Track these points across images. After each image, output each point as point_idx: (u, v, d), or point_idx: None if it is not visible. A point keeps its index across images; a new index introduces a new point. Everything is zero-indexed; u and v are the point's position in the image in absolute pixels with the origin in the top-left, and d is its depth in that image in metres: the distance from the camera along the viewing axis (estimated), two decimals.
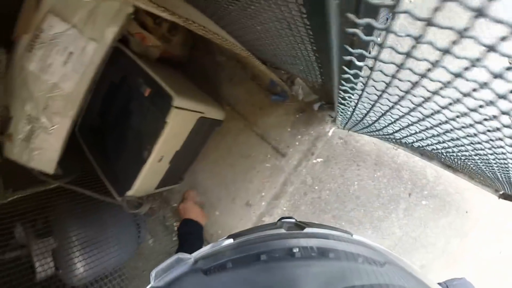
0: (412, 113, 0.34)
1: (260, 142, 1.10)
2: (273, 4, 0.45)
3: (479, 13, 0.13)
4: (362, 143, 1.05)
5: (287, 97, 1.05)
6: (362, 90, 0.34)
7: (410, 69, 0.23)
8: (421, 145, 0.56)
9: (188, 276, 0.26)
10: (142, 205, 0.92)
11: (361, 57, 0.24)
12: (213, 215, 1.13)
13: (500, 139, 0.30)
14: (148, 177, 0.93)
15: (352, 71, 0.27)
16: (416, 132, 0.44)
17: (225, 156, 1.15)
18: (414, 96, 0.28)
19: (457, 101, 0.23)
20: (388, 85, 0.28)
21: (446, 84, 0.22)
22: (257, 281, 0.25)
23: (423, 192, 1.07)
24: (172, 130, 0.89)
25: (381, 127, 0.54)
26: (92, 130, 1.01)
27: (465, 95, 0.22)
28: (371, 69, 0.25)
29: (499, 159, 0.44)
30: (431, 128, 0.35)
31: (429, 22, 0.16)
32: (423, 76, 0.22)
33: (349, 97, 0.38)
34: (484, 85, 0.18)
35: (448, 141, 0.39)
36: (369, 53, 0.25)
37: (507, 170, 0.49)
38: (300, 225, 0.33)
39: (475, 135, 0.29)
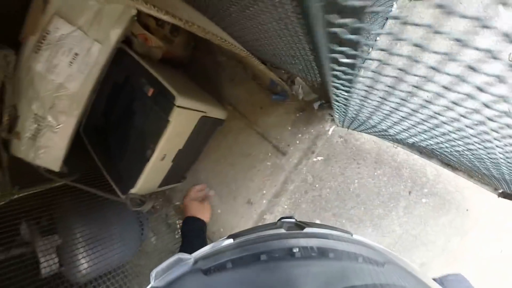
0: (401, 108, 0.35)
1: (261, 141, 1.11)
2: (271, 6, 0.46)
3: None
4: (362, 141, 1.06)
5: (287, 96, 1.06)
6: (352, 87, 0.35)
7: (396, 66, 0.25)
8: (415, 141, 0.58)
9: (188, 276, 0.26)
10: (145, 203, 0.94)
11: (347, 56, 0.25)
12: (215, 213, 1.15)
13: (486, 132, 0.31)
14: (151, 176, 0.95)
15: (340, 68, 0.29)
16: (407, 128, 0.45)
17: (227, 155, 1.17)
18: (401, 91, 0.29)
19: (441, 95, 0.25)
20: (375, 80, 0.29)
21: (429, 79, 0.23)
22: (257, 281, 0.25)
23: (423, 190, 1.08)
24: (175, 129, 0.91)
25: (375, 124, 0.56)
26: (96, 130, 1.03)
27: (446, 88, 0.23)
28: (354, 67, 0.27)
29: (489, 154, 0.45)
30: (421, 123, 0.36)
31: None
32: (403, 71, 0.24)
33: (341, 94, 0.40)
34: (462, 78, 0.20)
35: (439, 136, 0.40)
36: (361, 51, 0.27)
37: (498, 166, 0.50)
38: (300, 225, 0.33)
39: (461, 129, 0.30)
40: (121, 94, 0.97)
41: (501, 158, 0.46)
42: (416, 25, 0.17)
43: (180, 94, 0.87)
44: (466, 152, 0.47)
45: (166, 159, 0.97)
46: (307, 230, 0.32)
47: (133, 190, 0.93)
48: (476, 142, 0.36)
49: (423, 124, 0.36)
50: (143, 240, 1.14)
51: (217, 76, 1.18)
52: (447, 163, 0.96)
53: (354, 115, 0.59)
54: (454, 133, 0.35)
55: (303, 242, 0.28)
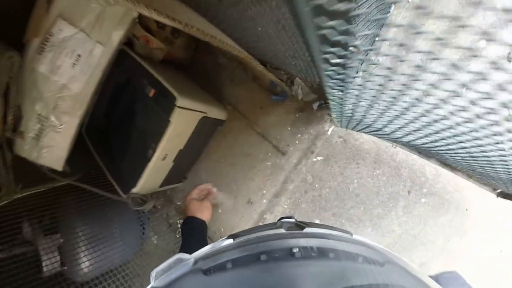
0: (393, 107, 0.36)
1: (261, 141, 1.12)
2: (268, 8, 0.47)
3: None
4: (361, 141, 1.07)
5: (287, 96, 1.08)
6: (344, 86, 0.36)
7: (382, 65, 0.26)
8: (410, 140, 0.59)
9: (188, 276, 0.26)
10: (146, 203, 0.95)
11: (338, 56, 0.26)
12: (215, 213, 1.15)
13: (476, 130, 0.32)
14: (152, 175, 0.96)
15: (332, 68, 0.30)
16: (401, 127, 0.46)
17: (227, 155, 1.18)
18: (393, 90, 0.30)
19: (429, 93, 0.26)
20: (364, 79, 0.30)
21: (417, 77, 0.24)
22: (257, 281, 0.25)
23: (422, 190, 1.08)
24: (176, 129, 0.92)
25: (370, 123, 0.57)
26: (98, 130, 1.05)
27: (432, 85, 0.24)
28: (345, 66, 0.28)
29: (482, 151, 0.46)
30: (412, 121, 0.37)
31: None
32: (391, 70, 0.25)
33: (335, 93, 0.41)
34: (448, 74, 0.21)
35: (431, 133, 0.41)
36: (350, 52, 0.28)
37: (492, 165, 0.51)
38: (300, 225, 0.33)
39: (453, 126, 0.31)
40: (122, 95, 0.99)
41: (493, 156, 0.47)
42: (400, 25, 0.18)
43: (181, 95, 0.88)
44: (460, 150, 0.48)
45: (167, 159, 0.98)
46: (307, 230, 0.32)
47: (134, 190, 0.94)
48: (469, 140, 0.37)
49: (414, 122, 0.37)
50: (144, 239, 1.16)
51: (218, 77, 1.20)
52: (446, 163, 0.97)
53: (350, 114, 0.60)
54: (447, 130, 0.36)
55: (303, 242, 0.29)
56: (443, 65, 0.20)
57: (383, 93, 0.32)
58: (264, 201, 1.11)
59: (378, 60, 0.24)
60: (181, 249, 0.84)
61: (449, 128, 0.33)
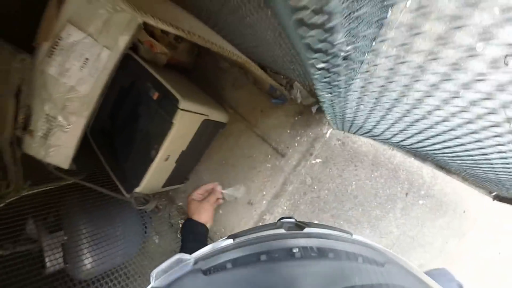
0: (378, 108, 0.39)
1: (261, 143, 1.15)
2: (264, 16, 0.50)
3: None
4: (359, 144, 1.09)
5: (287, 100, 1.10)
6: (331, 89, 0.39)
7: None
8: (399, 141, 0.61)
9: (188, 276, 0.26)
10: (149, 202, 0.97)
11: (322, 61, 0.30)
12: (216, 213, 1.18)
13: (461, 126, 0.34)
14: (155, 176, 0.99)
15: (318, 72, 0.33)
16: (388, 127, 0.49)
17: (228, 156, 1.21)
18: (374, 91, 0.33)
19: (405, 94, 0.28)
20: (348, 83, 0.33)
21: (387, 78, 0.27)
22: (257, 282, 0.25)
23: (420, 192, 1.10)
24: (179, 131, 0.95)
25: (361, 124, 0.59)
26: (102, 132, 1.08)
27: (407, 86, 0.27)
28: (329, 70, 0.31)
29: (482, 155, 0.48)
30: (397, 122, 0.40)
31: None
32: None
33: (324, 96, 0.43)
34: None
35: (416, 133, 0.44)
36: (332, 57, 0.30)
37: (479, 166, 0.53)
38: (300, 225, 0.33)
39: (433, 126, 0.34)
40: (127, 98, 1.02)
41: (495, 158, 0.49)
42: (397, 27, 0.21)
43: (183, 98, 0.91)
44: (446, 150, 0.50)
45: (169, 160, 1.01)
46: (307, 230, 0.32)
47: (137, 189, 0.97)
48: (470, 142, 0.39)
49: (399, 122, 0.40)
50: (146, 239, 1.18)
51: (219, 80, 1.23)
52: (441, 166, 0.98)
53: (341, 116, 0.63)
54: (430, 127, 0.39)
55: (303, 242, 0.29)
56: (431, 72, 0.22)
57: (365, 95, 0.35)
58: (264, 202, 1.13)
59: (371, 64, 0.27)
60: (180, 251, 0.85)
61: (431, 128, 0.36)
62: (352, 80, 0.39)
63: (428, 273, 0.60)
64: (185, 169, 1.20)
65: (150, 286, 0.26)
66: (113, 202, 1.05)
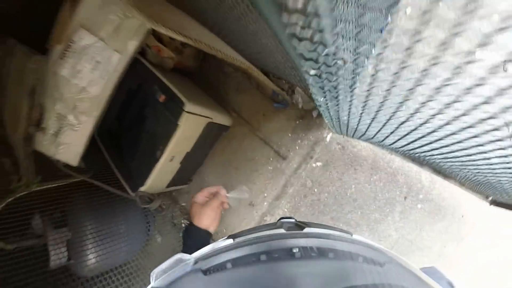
0: (368, 110, 0.42)
1: (263, 146, 1.18)
2: (265, 25, 0.54)
3: None
4: (359, 148, 1.12)
5: (288, 104, 1.14)
6: (325, 93, 0.43)
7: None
8: (391, 143, 0.64)
9: (188, 276, 0.26)
10: (153, 201, 1.00)
11: (311, 69, 0.33)
12: None
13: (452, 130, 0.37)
14: (160, 175, 1.02)
15: (310, 78, 0.36)
16: (379, 129, 0.52)
17: (231, 159, 1.24)
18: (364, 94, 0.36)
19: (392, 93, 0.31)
20: (336, 89, 0.36)
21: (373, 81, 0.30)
22: (257, 281, 0.25)
23: (418, 196, 1.12)
24: (184, 133, 0.98)
25: (354, 126, 0.63)
26: (109, 132, 1.12)
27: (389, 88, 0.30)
28: (320, 76, 0.34)
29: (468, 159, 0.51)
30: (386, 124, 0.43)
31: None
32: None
33: (319, 99, 0.47)
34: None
35: (406, 136, 0.46)
36: (322, 64, 0.34)
37: (475, 169, 0.56)
38: (300, 225, 0.33)
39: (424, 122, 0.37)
40: (134, 100, 1.06)
41: (478, 164, 0.52)
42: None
43: (189, 101, 0.95)
44: (435, 153, 0.53)
45: (174, 160, 1.04)
46: (307, 230, 0.32)
47: (142, 188, 1.00)
48: (472, 146, 0.41)
49: (387, 125, 0.43)
50: (149, 237, 1.20)
51: (224, 85, 1.27)
52: (438, 170, 1.01)
53: (337, 120, 0.66)
54: (423, 133, 0.42)
55: (303, 242, 0.29)
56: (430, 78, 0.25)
57: (355, 99, 0.38)
58: (265, 203, 1.16)
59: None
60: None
61: (429, 133, 0.39)
62: (351, 85, 0.42)
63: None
64: (189, 170, 1.23)
65: (150, 286, 0.27)
66: (118, 200, 1.08)
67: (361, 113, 0.48)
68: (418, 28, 0.25)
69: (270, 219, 1.15)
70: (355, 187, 1.13)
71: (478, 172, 0.59)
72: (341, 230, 0.34)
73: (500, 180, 0.67)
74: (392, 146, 0.71)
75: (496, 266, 1.12)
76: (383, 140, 0.66)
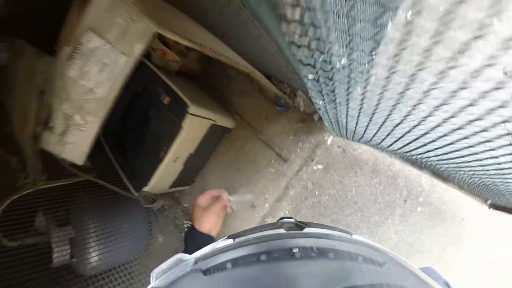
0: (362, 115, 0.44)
1: (265, 148, 1.20)
2: (266, 32, 0.56)
3: None
4: (359, 151, 1.13)
5: (290, 108, 1.16)
6: (323, 96, 0.44)
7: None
8: (388, 145, 0.65)
9: (188, 276, 0.26)
10: (156, 201, 1.02)
11: (309, 73, 0.35)
12: None
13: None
14: (163, 176, 1.04)
15: (309, 82, 0.38)
16: (376, 131, 0.53)
17: (233, 161, 1.25)
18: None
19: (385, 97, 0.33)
20: (333, 92, 0.38)
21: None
22: (257, 282, 0.25)
23: (418, 199, 1.13)
24: (187, 135, 1.00)
25: (352, 128, 0.64)
26: (114, 133, 1.14)
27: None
28: (318, 80, 0.36)
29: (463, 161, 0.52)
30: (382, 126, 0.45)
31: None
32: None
33: (318, 102, 0.49)
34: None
35: (400, 137, 0.48)
36: (319, 69, 0.36)
37: (470, 170, 0.57)
38: (300, 225, 0.33)
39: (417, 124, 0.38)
40: (138, 101, 1.08)
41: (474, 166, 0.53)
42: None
43: (193, 103, 0.97)
44: (430, 155, 0.54)
45: (178, 161, 1.06)
46: (307, 230, 0.32)
47: (146, 188, 1.01)
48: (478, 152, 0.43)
49: (383, 128, 0.45)
50: (151, 237, 1.21)
51: (227, 88, 1.29)
52: (437, 173, 1.02)
53: (336, 122, 0.67)
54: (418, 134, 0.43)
55: (303, 242, 0.29)
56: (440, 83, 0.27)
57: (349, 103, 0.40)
58: (267, 205, 1.17)
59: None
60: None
61: (424, 135, 0.41)
62: (347, 89, 0.44)
63: None
64: (192, 171, 1.25)
65: (150, 286, 0.27)
66: (121, 200, 1.10)
67: (358, 116, 0.50)
68: (403, 37, 0.27)
69: (271, 221, 1.16)
70: (356, 190, 1.14)
71: (473, 174, 0.60)
72: (341, 230, 0.33)
73: (495, 182, 0.68)
74: (389, 148, 0.73)
75: (495, 269, 1.13)
76: (380, 143, 0.67)
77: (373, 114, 0.45)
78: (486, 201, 1.04)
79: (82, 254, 1.01)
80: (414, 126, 0.41)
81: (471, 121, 0.34)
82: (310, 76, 0.37)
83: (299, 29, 0.26)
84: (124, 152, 1.09)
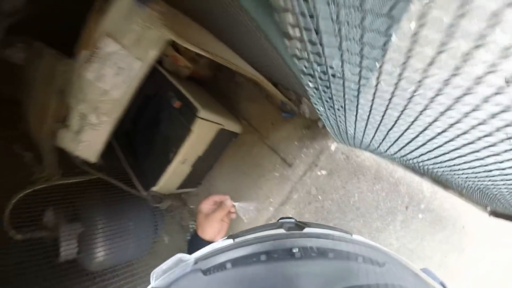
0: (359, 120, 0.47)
1: (270, 153, 1.23)
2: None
3: None
4: (362, 158, 1.16)
5: (296, 114, 1.19)
6: (323, 103, 0.48)
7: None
8: (385, 150, 0.68)
9: (188, 276, 0.26)
10: (164, 201, 1.05)
11: (310, 82, 0.39)
12: None
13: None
14: (171, 177, 1.07)
15: (309, 89, 0.42)
16: (373, 136, 0.57)
17: (240, 164, 1.28)
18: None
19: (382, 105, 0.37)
20: (331, 98, 0.42)
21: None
22: (257, 282, 0.25)
23: (419, 206, 1.15)
24: (196, 138, 1.04)
25: (352, 134, 0.68)
26: (124, 134, 1.18)
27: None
28: (317, 88, 0.40)
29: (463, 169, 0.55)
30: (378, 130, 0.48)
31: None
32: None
33: (319, 108, 0.52)
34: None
35: (398, 139, 0.51)
36: (318, 78, 0.39)
37: (475, 176, 0.60)
38: (299, 225, 0.33)
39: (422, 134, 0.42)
40: (150, 105, 1.12)
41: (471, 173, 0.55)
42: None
43: (202, 108, 1.01)
44: (429, 163, 0.57)
45: (186, 163, 1.09)
46: (307, 230, 0.32)
47: (154, 188, 1.04)
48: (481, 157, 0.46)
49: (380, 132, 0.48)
50: (156, 238, 1.24)
51: (235, 94, 1.34)
52: (438, 181, 1.04)
53: (337, 128, 0.71)
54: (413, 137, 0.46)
55: (303, 242, 0.29)
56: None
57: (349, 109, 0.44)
58: (271, 208, 1.20)
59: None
60: None
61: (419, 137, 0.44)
62: (344, 96, 0.47)
63: None
64: (199, 173, 1.28)
65: (150, 286, 0.27)
66: (129, 199, 1.13)
67: (355, 121, 0.53)
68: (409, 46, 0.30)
69: None
70: (358, 195, 1.16)
71: (479, 180, 0.63)
72: (341, 230, 0.33)
73: (500, 187, 0.70)
74: (387, 153, 0.76)
75: (496, 277, 1.14)
76: (378, 147, 0.70)
77: (368, 119, 0.48)
78: (486, 208, 1.06)
79: (89, 249, 1.03)
80: (406, 130, 0.44)
81: (475, 126, 0.36)
82: (311, 85, 0.41)
83: (299, 44, 0.30)
84: (134, 153, 1.13)
